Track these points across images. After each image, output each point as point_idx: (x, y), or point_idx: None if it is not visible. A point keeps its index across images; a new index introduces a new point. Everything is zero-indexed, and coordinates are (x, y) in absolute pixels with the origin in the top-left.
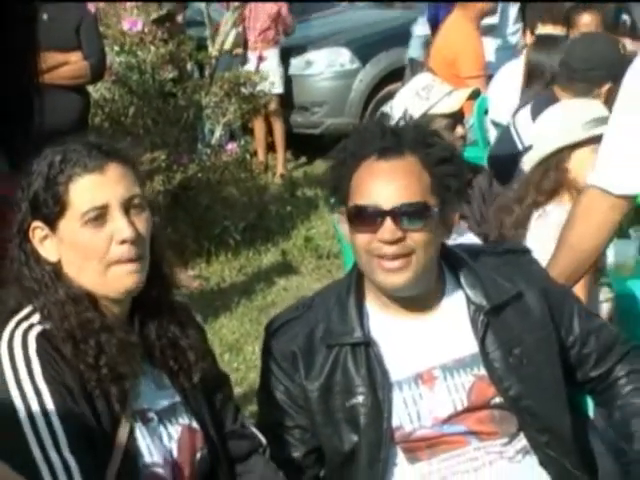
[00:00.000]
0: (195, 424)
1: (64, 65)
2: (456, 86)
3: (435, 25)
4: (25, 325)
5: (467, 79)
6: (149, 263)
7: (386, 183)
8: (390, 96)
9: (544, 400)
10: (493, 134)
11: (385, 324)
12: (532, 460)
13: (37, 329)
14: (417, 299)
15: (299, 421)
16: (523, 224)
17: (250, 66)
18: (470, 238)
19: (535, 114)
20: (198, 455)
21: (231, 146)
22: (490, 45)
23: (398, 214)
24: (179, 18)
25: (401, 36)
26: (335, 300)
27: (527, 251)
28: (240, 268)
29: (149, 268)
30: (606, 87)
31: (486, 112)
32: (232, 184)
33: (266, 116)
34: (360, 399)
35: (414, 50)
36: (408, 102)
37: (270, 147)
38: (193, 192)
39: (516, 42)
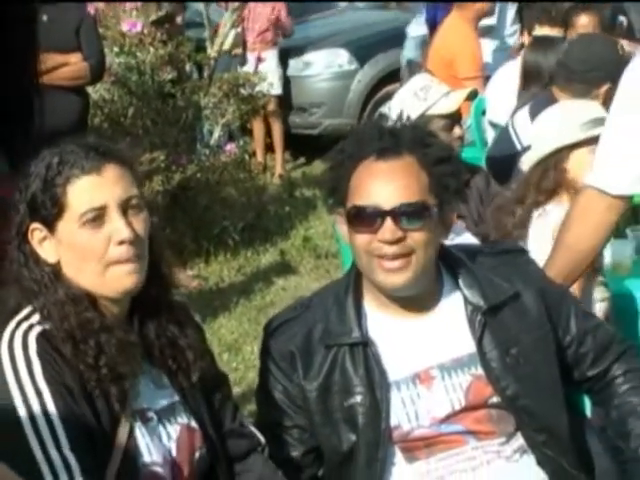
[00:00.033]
0: (194, 423)
1: (64, 66)
2: (454, 87)
3: (433, 26)
4: (25, 326)
5: (465, 80)
6: (148, 263)
7: (385, 183)
8: (388, 97)
9: (541, 399)
10: (490, 135)
11: (383, 324)
12: (529, 459)
13: (37, 329)
14: (415, 299)
15: (297, 421)
16: (524, 224)
17: (249, 67)
18: (468, 238)
19: (534, 115)
20: (197, 454)
21: (230, 147)
22: (487, 46)
23: (398, 214)
24: (178, 19)
25: (399, 37)
26: (333, 300)
27: (524, 251)
28: (239, 268)
29: (148, 268)
30: (604, 88)
31: (483, 113)
32: (231, 184)
33: (265, 117)
34: (358, 399)
35: (409, 51)
36: (406, 103)
37: (269, 148)
38: (192, 192)
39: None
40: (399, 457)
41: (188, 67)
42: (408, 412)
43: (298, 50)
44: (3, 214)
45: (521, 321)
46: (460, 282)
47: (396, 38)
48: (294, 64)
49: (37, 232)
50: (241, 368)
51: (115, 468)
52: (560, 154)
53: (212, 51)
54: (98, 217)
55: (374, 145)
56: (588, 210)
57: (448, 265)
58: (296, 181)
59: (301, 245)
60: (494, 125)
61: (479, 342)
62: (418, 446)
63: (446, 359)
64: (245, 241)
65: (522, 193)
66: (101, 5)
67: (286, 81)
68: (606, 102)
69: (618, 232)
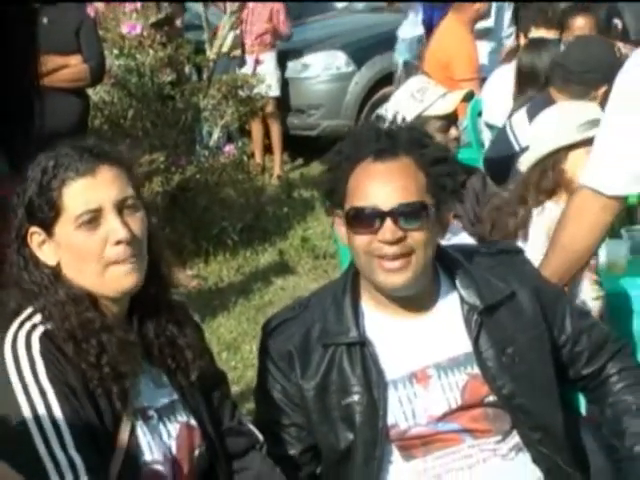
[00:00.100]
0: (193, 421)
1: (64, 68)
2: (450, 88)
3: (430, 28)
4: (28, 326)
5: (461, 82)
6: (147, 263)
7: (383, 184)
8: (385, 98)
9: (537, 398)
10: (487, 136)
11: (380, 324)
12: (525, 457)
13: (40, 329)
14: (413, 299)
15: (295, 419)
16: (526, 224)
17: (248, 69)
18: (464, 237)
19: (532, 116)
20: (197, 452)
21: (229, 148)
22: (484, 48)
23: (397, 214)
24: (178, 22)
25: (396, 40)
26: (331, 300)
27: (520, 251)
28: (238, 268)
29: (147, 268)
30: (602, 90)
31: (480, 114)
32: (230, 185)
33: (263, 118)
34: (356, 398)
35: (400, 54)
36: (403, 104)
37: (267, 149)
38: (191, 193)
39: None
40: (396, 455)
41: (187, 69)
42: (405, 411)
43: (296, 52)
44: (3, 216)
45: (517, 321)
46: (457, 282)
47: (393, 40)
48: (292, 66)
49: (36, 236)
50: (240, 367)
51: (117, 467)
52: (558, 155)
53: (211, 53)
54: (94, 219)
55: (371, 147)
56: (583, 210)
57: (445, 266)
58: (294, 182)
59: (299, 245)
60: (490, 126)
61: (475, 341)
62: (415, 444)
63: (442, 358)
64: (244, 241)
65: (522, 193)
66: (101, 7)
67: (284, 83)
68: (603, 104)
69: (613, 232)
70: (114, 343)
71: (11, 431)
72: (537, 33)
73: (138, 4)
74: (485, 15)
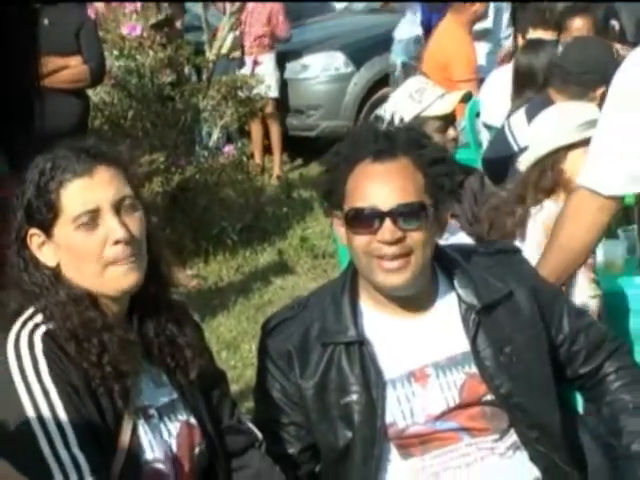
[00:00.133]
0: (193, 420)
1: (64, 69)
2: (448, 89)
3: (428, 29)
4: (31, 325)
5: (459, 82)
6: (147, 262)
7: (382, 185)
8: (384, 99)
9: (534, 397)
10: (484, 136)
11: (379, 323)
12: (522, 455)
13: (42, 329)
14: (412, 299)
15: (294, 418)
16: (524, 223)
17: (247, 70)
18: (462, 237)
19: (530, 116)
20: (197, 450)
21: (228, 148)
22: (483, 49)
23: (396, 215)
24: (177, 23)
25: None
26: (330, 300)
27: (518, 251)
28: (237, 268)
29: (147, 267)
30: (600, 91)
31: (478, 115)
32: (229, 186)
33: (263, 119)
34: (354, 397)
35: (397, 55)
36: (401, 105)
37: (266, 149)
38: (191, 193)
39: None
40: (394, 454)
41: (187, 70)
42: (403, 410)
43: (295, 53)
44: (3, 217)
45: (514, 320)
46: (455, 282)
47: (392, 41)
48: (291, 67)
49: (35, 237)
50: (239, 366)
51: (119, 465)
52: (557, 155)
53: (211, 54)
54: (92, 219)
55: (370, 147)
56: (580, 210)
57: (443, 265)
58: (293, 182)
59: (298, 245)
60: (488, 127)
61: (473, 341)
62: (413, 443)
63: (441, 358)
64: (243, 241)
65: (521, 193)
66: (101, 8)
67: (283, 84)
68: (602, 105)
69: (610, 233)
70: (115, 342)
71: (14, 431)
72: (535, 34)
73: (138, 5)
74: (483, 16)
